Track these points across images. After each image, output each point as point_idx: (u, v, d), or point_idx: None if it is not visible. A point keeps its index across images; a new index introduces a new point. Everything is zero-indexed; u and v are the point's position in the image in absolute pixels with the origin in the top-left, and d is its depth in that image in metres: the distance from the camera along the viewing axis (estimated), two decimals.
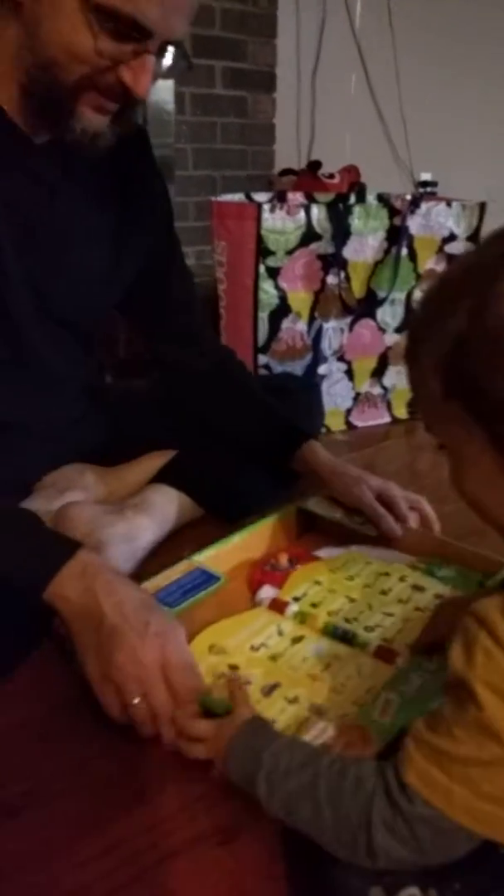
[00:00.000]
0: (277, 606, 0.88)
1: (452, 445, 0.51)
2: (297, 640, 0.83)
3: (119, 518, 0.99)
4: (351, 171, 2.28)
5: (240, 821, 0.64)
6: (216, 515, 1.11)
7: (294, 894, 0.58)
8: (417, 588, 0.93)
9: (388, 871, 0.52)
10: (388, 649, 0.80)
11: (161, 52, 0.78)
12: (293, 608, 0.87)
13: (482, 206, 1.62)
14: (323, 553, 1.01)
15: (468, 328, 0.46)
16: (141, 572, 0.95)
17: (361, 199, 1.51)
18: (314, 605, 0.89)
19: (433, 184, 2.65)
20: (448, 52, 2.75)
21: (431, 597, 0.91)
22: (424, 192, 2.40)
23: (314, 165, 2.27)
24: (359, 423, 1.68)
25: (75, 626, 0.71)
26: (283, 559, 0.98)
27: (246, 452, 1.11)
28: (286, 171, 2.36)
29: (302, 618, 0.86)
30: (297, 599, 0.90)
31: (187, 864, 0.61)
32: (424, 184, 2.68)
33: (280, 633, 0.84)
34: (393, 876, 0.52)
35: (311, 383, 1.51)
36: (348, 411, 1.67)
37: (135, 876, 0.59)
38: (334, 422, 1.63)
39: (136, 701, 0.67)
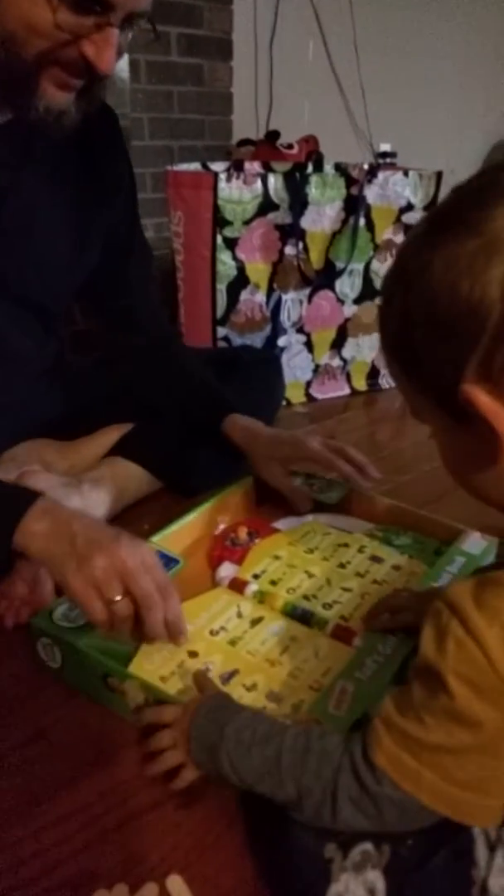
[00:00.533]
0: (237, 586, 0.88)
1: (427, 421, 0.51)
2: (256, 621, 0.83)
3: (74, 492, 0.98)
4: (310, 141, 2.26)
5: (199, 784, 0.64)
6: (173, 489, 1.11)
7: (253, 852, 0.59)
8: (375, 559, 0.93)
9: None
10: (345, 628, 0.80)
11: (126, 25, 0.75)
12: (252, 587, 0.87)
13: (439, 176, 1.62)
14: (282, 524, 1.01)
15: (405, 309, 0.47)
16: None
17: (319, 168, 1.51)
18: (273, 583, 0.89)
19: (392, 154, 2.65)
20: (407, 21, 2.73)
21: (389, 568, 0.92)
22: (384, 162, 2.40)
23: (272, 135, 2.25)
24: (319, 396, 1.69)
25: (48, 553, 0.71)
26: (243, 533, 0.98)
27: (188, 432, 1.10)
28: (244, 142, 2.34)
29: (261, 597, 0.86)
30: (256, 577, 0.90)
31: (147, 826, 0.62)
32: (384, 154, 2.68)
33: (239, 616, 0.84)
34: (348, 833, 0.54)
35: (271, 356, 1.50)
36: (308, 384, 1.67)
37: (94, 839, 0.60)
38: (294, 394, 1.64)
39: (118, 598, 0.68)
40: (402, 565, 0.92)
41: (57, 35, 0.72)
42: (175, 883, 0.57)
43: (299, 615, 0.83)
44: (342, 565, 0.93)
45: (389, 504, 1.02)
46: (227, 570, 0.91)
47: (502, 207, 0.43)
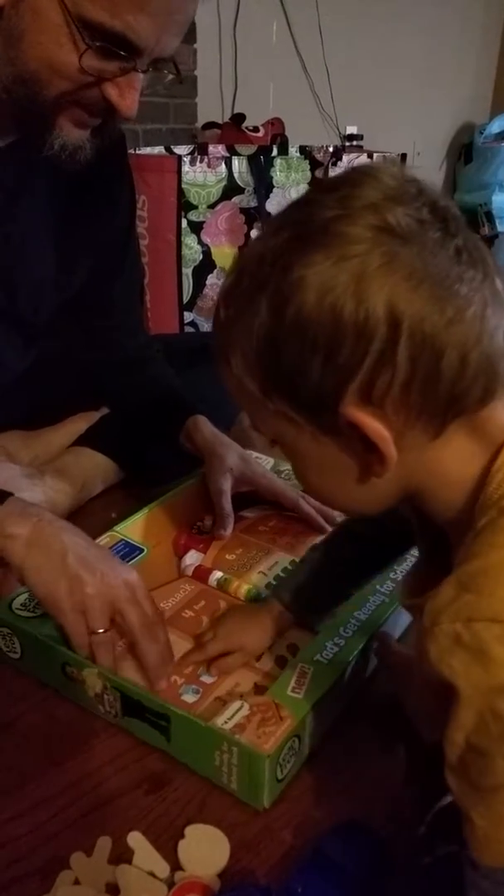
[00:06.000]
0: (201, 574, 0.88)
1: (284, 441, 0.50)
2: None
3: (36, 482, 0.97)
4: (275, 123, 2.25)
5: (168, 768, 0.65)
6: (140, 480, 1.09)
7: None
8: None
9: None
10: None
11: (149, 69, 0.73)
12: (216, 575, 0.87)
13: (403, 158, 1.62)
14: (250, 512, 1.00)
15: (272, 324, 0.44)
16: None
17: (283, 151, 1.50)
18: (238, 569, 0.89)
19: (359, 137, 2.64)
20: (371, 2, 2.72)
21: None
22: (350, 145, 2.39)
23: (238, 118, 2.23)
24: None
25: (32, 559, 0.68)
26: (209, 521, 0.97)
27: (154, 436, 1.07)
28: (210, 125, 2.31)
29: (224, 584, 0.85)
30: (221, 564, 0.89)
31: (117, 812, 0.62)
32: (351, 137, 2.67)
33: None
34: None
35: None
36: None
37: (64, 827, 0.60)
38: None
39: (100, 630, 0.68)
40: None
41: (80, 78, 0.70)
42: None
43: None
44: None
45: None
46: (192, 559, 0.90)
47: (365, 220, 0.42)
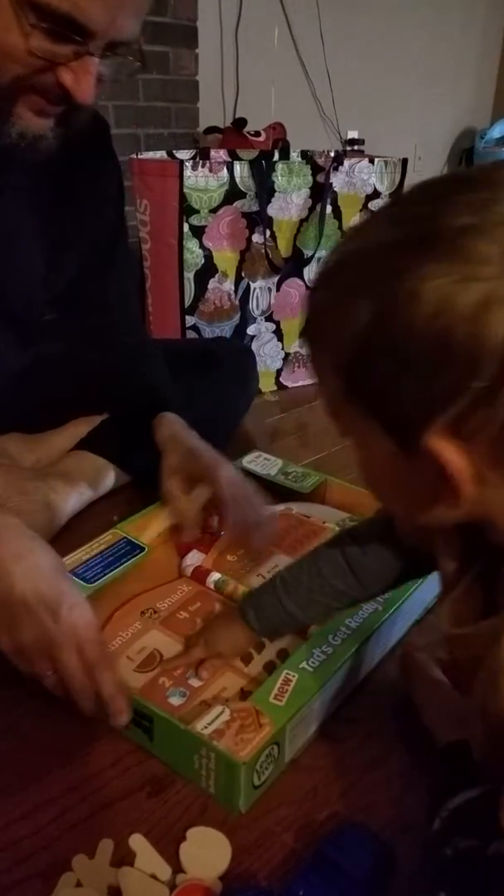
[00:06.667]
0: (199, 575, 0.88)
1: (355, 438, 0.48)
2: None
3: (39, 486, 0.97)
4: (276, 128, 2.26)
5: (169, 771, 0.65)
6: (142, 483, 1.10)
7: None
8: None
9: None
10: None
11: (108, 54, 0.72)
12: (214, 577, 0.87)
13: (404, 163, 1.63)
14: None
15: (372, 333, 0.41)
16: (65, 542, 0.94)
17: (285, 155, 1.50)
18: (237, 571, 0.89)
19: (360, 141, 2.66)
20: (373, 7, 2.73)
21: None
22: (351, 150, 2.40)
23: (239, 123, 2.24)
24: (289, 384, 1.69)
25: None
26: (214, 521, 0.97)
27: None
28: (211, 129, 2.33)
29: (223, 586, 0.85)
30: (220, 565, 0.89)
31: (119, 815, 0.62)
32: (352, 141, 2.68)
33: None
34: None
35: (244, 347, 1.49)
36: (278, 372, 1.67)
37: (65, 830, 0.60)
38: (265, 383, 1.64)
39: (49, 673, 0.65)
40: None
41: (32, 62, 0.69)
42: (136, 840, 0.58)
43: None
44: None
45: (363, 493, 1.02)
46: (192, 559, 0.91)
47: (503, 240, 0.37)
